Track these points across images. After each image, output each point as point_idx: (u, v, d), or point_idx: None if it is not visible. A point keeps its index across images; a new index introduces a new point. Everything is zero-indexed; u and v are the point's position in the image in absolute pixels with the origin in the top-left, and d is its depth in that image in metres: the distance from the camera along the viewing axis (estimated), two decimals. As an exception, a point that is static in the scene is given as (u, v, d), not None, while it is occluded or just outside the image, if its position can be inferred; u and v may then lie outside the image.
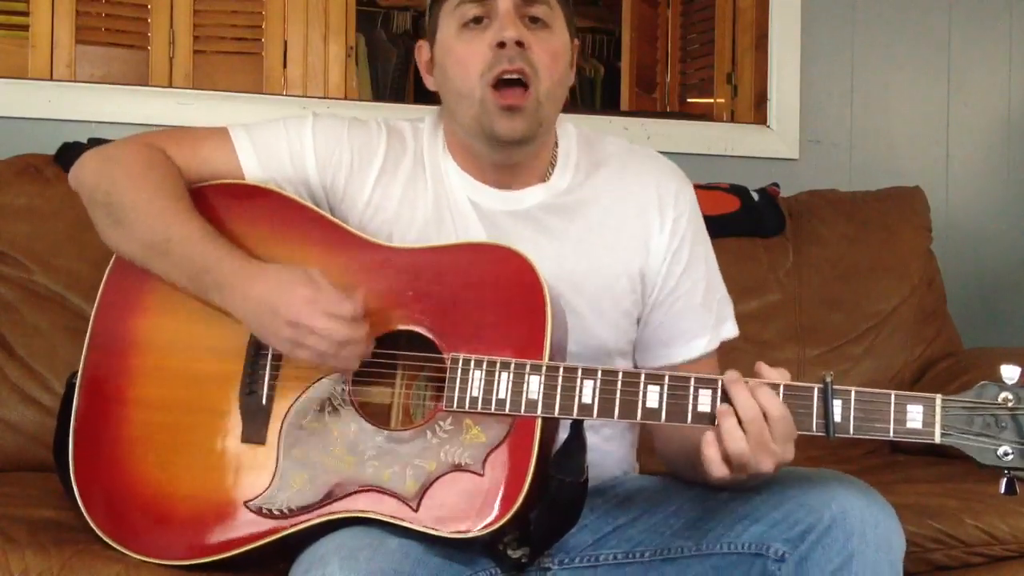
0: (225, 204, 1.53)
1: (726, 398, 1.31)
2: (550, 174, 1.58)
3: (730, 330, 1.64)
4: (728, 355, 1.65)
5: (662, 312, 1.59)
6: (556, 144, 1.60)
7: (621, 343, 1.59)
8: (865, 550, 1.30)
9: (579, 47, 1.63)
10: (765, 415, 1.28)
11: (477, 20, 1.49)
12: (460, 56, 1.50)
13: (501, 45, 1.47)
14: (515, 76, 1.46)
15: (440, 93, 1.57)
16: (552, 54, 1.51)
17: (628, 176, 1.60)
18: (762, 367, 1.33)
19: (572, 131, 1.63)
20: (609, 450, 1.60)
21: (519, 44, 1.46)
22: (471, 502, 1.33)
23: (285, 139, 1.56)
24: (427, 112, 1.63)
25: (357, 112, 1.68)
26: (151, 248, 1.46)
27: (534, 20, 1.50)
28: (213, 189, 1.54)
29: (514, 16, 1.48)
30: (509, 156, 1.53)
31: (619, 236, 1.57)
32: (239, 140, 1.56)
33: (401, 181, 1.56)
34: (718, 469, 1.29)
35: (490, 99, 1.47)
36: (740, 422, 1.28)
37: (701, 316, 1.60)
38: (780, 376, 1.32)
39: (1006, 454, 1.24)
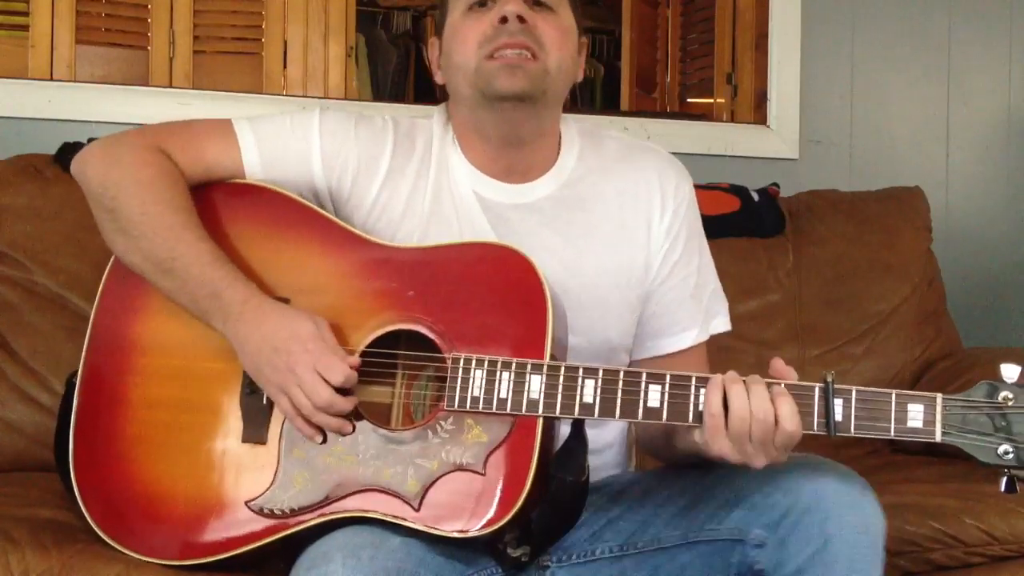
0: (226, 203, 1.53)
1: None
2: (554, 165, 1.58)
3: (721, 324, 1.64)
4: (728, 355, 1.66)
5: (653, 303, 1.59)
6: (560, 139, 1.60)
7: (626, 338, 1.59)
8: (842, 533, 1.30)
9: (587, 46, 1.63)
10: (779, 424, 1.27)
11: (482, 3, 1.50)
12: (463, 34, 1.50)
13: (503, 20, 1.47)
14: (517, 52, 1.46)
15: (447, 82, 1.56)
16: (560, 30, 1.51)
17: (631, 169, 1.60)
18: (776, 364, 1.33)
19: (573, 125, 1.63)
20: (611, 440, 1.61)
21: (521, 20, 1.47)
22: (472, 501, 1.33)
23: (291, 137, 1.55)
24: (432, 112, 1.62)
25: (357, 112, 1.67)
26: (156, 264, 1.45)
27: (538, 3, 1.50)
28: (214, 188, 1.54)
29: None
30: (512, 120, 1.51)
31: (623, 229, 1.57)
32: (243, 136, 1.54)
33: (409, 180, 1.55)
34: (718, 432, 1.29)
35: (485, 64, 1.47)
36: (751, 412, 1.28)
37: (691, 308, 1.60)
38: (790, 375, 1.32)
39: (1006, 453, 1.24)
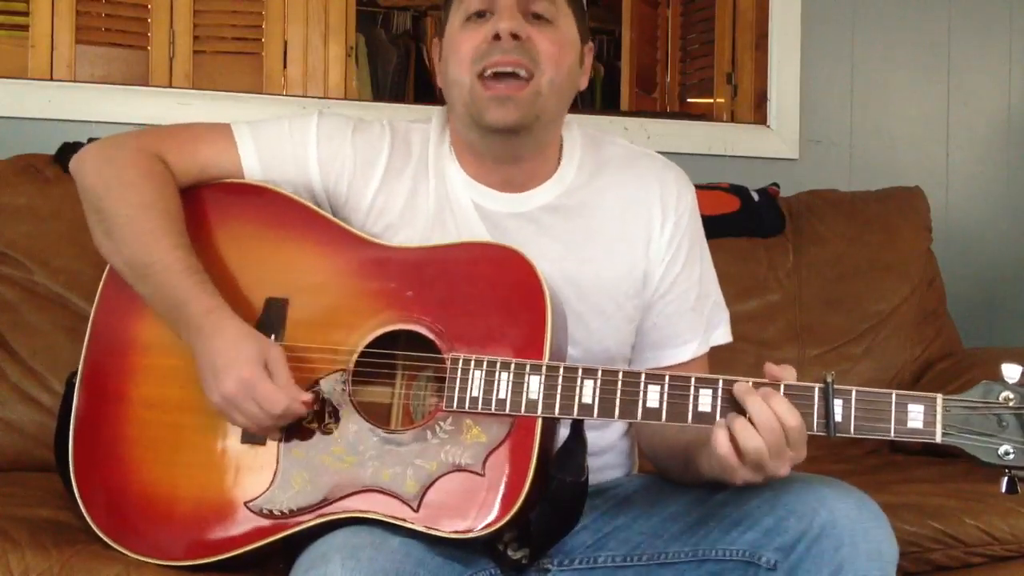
0: (224, 203, 1.53)
1: (729, 402, 1.30)
2: (554, 175, 1.57)
3: (721, 336, 1.63)
4: (728, 355, 1.65)
5: (654, 314, 1.59)
6: (561, 146, 1.59)
7: (624, 348, 1.58)
8: (855, 559, 1.29)
9: (593, 51, 1.61)
10: (781, 423, 1.26)
11: (480, 14, 1.49)
12: (458, 46, 1.49)
13: (497, 37, 1.46)
14: (510, 69, 1.45)
15: (444, 91, 1.56)
16: (557, 44, 1.49)
17: (631, 178, 1.59)
18: (769, 367, 1.32)
19: (577, 133, 1.62)
20: (613, 441, 1.61)
21: (515, 36, 1.45)
22: (471, 502, 1.33)
23: (289, 141, 1.55)
24: (431, 112, 1.62)
25: (356, 112, 1.67)
26: (133, 269, 1.45)
27: (537, 16, 1.49)
28: (212, 188, 1.54)
29: (515, 10, 1.47)
30: (505, 146, 1.51)
31: (623, 239, 1.56)
32: (242, 140, 1.55)
33: (406, 184, 1.55)
34: (735, 467, 1.28)
35: (478, 89, 1.46)
36: (756, 429, 1.26)
37: (692, 320, 1.60)
38: (787, 374, 1.31)
39: (1007, 453, 1.24)
